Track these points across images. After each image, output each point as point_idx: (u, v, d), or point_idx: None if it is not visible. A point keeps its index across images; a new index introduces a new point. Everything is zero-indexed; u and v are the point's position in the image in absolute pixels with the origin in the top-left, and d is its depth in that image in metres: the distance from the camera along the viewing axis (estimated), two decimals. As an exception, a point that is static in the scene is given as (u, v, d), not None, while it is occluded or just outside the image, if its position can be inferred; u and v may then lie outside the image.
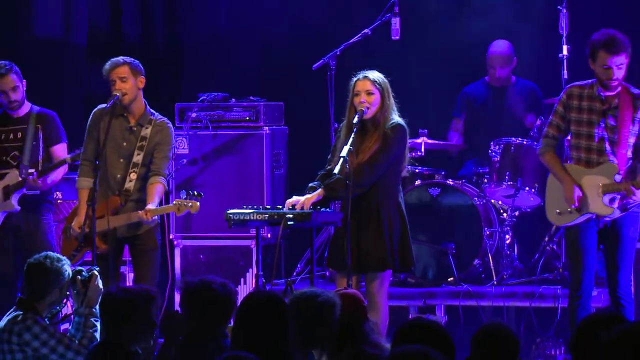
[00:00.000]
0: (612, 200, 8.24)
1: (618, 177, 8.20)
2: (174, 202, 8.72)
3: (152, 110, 8.89)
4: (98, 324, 6.75)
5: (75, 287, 6.90)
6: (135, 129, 8.83)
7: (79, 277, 6.89)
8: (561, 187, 8.41)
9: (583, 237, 8.36)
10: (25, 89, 9.48)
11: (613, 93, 8.24)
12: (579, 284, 8.37)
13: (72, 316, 7.04)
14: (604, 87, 8.23)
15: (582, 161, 8.34)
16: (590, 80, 8.35)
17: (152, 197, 8.66)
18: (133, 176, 8.79)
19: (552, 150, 8.48)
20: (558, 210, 8.43)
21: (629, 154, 8.27)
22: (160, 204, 8.84)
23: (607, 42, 8.12)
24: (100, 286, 6.81)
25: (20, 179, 9.36)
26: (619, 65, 8.14)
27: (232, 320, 5.89)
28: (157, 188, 8.70)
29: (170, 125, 8.94)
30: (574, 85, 8.44)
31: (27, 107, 9.54)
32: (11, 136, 9.53)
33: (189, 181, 10.15)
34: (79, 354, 6.71)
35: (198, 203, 8.68)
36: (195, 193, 8.72)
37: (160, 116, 8.92)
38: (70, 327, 6.93)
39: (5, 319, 6.93)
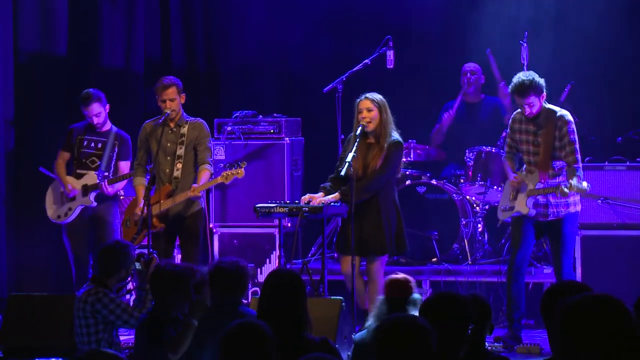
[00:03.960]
0: (534, 203, 8.42)
1: (539, 185, 8.40)
2: (222, 174, 8.80)
3: (186, 115, 9.00)
4: None
5: (139, 267, 6.98)
6: (175, 129, 8.95)
7: (142, 259, 6.96)
8: (506, 191, 8.66)
9: (521, 227, 8.53)
10: (107, 111, 9.59)
11: (537, 116, 8.40)
12: (513, 262, 8.57)
13: (133, 290, 7.10)
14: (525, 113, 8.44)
15: (526, 171, 8.55)
16: None
17: (198, 179, 8.78)
18: (179, 166, 8.90)
19: (510, 159, 8.74)
20: (502, 207, 8.70)
21: (554, 164, 8.39)
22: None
23: (516, 89, 8.35)
24: None
25: (97, 182, 9.48)
26: (530, 104, 8.35)
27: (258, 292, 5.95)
28: (203, 173, 8.82)
29: (203, 121, 9.05)
30: (516, 112, 8.63)
31: (108, 125, 9.65)
32: (92, 144, 9.62)
33: (226, 181, 10.19)
34: (138, 320, 6.80)
35: (242, 169, 8.76)
36: (240, 163, 8.80)
37: (193, 117, 9.03)
38: (134, 299, 6.99)
39: (82, 292, 7.01)
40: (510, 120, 8.68)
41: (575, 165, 8.33)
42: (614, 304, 3.43)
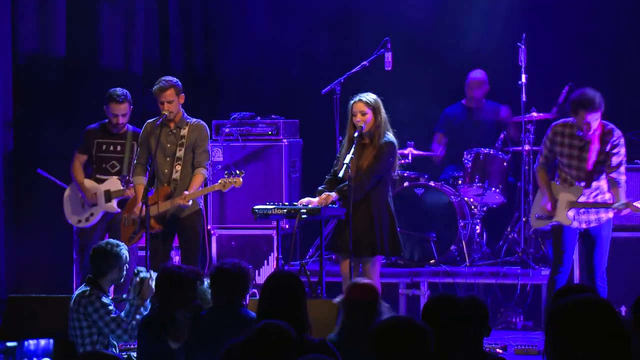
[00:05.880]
0: (574, 215, 8.38)
1: (582, 198, 8.36)
2: (219, 181, 8.79)
3: (187, 115, 9.00)
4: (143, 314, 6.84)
5: (134, 282, 6.99)
6: (175, 131, 8.94)
7: (139, 276, 6.97)
8: (539, 199, 8.56)
9: (566, 234, 8.46)
10: (130, 113, 9.57)
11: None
12: (560, 264, 8.47)
13: (126, 303, 7.11)
14: (584, 135, 8.31)
15: (564, 181, 8.47)
16: (570, 120, 8.40)
17: (191, 185, 8.78)
18: (178, 168, 8.89)
19: (544, 169, 8.58)
20: (537, 215, 8.57)
21: (597, 177, 8.37)
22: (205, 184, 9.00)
23: (584, 102, 8.19)
24: (153, 286, 6.85)
25: (121, 188, 9.45)
26: (595, 120, 8.23)
27: (257, 294, 5.96)
28: (197, 178, 8.80)
29: (204, 123, 9.02)
30: (557, 124, 8.49)
31: (125, 125, 9.63)
32: (111, 148, 9.59)
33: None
34: (125, 332, 6.78)
35: (241, 178, 8.76)
36: (238, 172, 8.81)
37: (194, 118, 9.03)
38: (122, 313, 6.99)
39: (76, 293, 7.02)
40: (550, 132, 8.52)
41: (616, 177, 8.32)
42: (605, 304, 3.47)
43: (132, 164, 9.40)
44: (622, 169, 8.40)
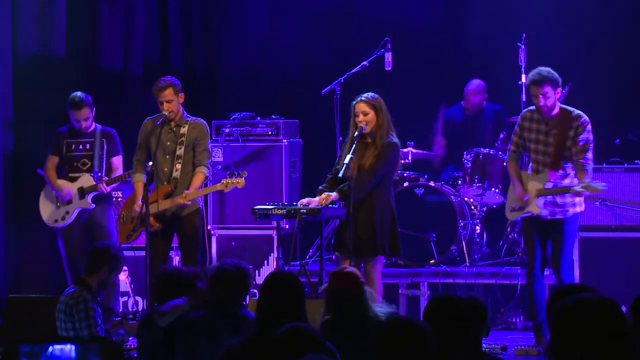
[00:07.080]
0: (544, 203, 8.36)
1: (549, 185, 8.34)
2: (222, 181, 8.81)
3: (187, 114, 9.00)
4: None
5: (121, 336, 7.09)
6: (175, 129, 8.96)
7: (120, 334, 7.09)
8: (513, 191, 8.56)
9: (531, 229, 8.47)
10: (93, 114, 9.59)
11: (551, 115, 8.34)
12: (532, 265, 8.49)
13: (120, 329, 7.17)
14: (539, 112, 8.35)
15: (533, 170, 8.47)
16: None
17: (191, 184, 8.79)
18: (178, 166, 8.92)
19: (514, 160, 8.61)
20: (510, 207, 8.59)
21: (564, 165, 8.35)
22: (205, 185, 8.99)
23: (532, 78, 8.33)
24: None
25: (94, 183, 9.47)
26: (545, 94, 8.26)
27: (257, 294, 5.95)
28: (197, 177, 8.83)
29: (203, 122, 9.05)
30: (526, 110, 8.56)
31: (92, 125, 9.61)
32: (80, 147, 9.61)
33: (224, 183, 10.19)
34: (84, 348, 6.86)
35: (243, 179, 8.77)
36: (241, 172, 8.82)
37: (193, 117, 9.04)
38: (102, 324, 7.01)
39: (65, 293, 7.04)
40: (519, 119, 8.59)
41: (582, 161, 8.27)
42: (609, 304, 3.46)
43: (102, 161, 9.50)
44: (589, 154, 8.33)
